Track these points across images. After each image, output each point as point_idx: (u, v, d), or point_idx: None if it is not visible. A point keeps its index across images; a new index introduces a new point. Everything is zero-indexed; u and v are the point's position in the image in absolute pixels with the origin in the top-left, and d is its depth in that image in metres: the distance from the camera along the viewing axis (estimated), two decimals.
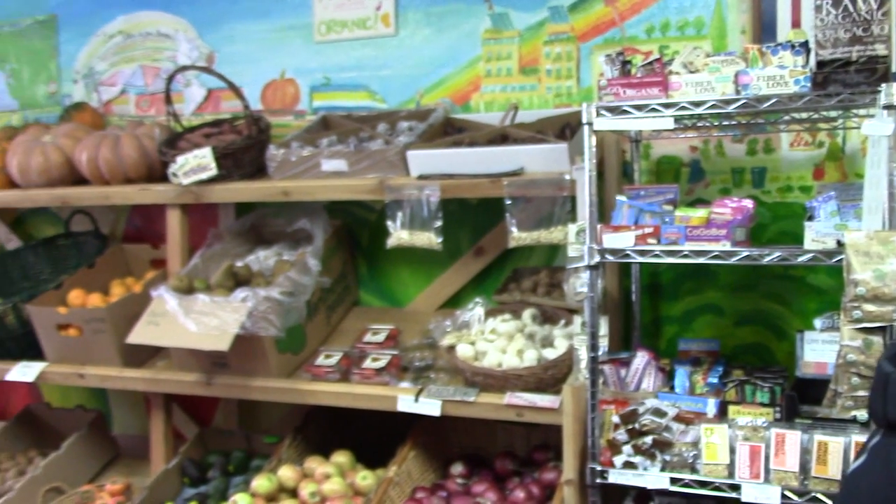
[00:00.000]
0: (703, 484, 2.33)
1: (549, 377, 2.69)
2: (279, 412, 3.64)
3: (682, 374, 2.67)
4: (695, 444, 2.37)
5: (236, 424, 3.77)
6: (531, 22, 3.18)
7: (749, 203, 2.43)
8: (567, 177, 2.65)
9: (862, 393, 2.04)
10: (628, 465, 2.42)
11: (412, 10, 3.35)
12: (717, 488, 2.31)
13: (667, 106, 2.31)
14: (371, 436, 3.22)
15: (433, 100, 3.35)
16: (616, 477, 2.44)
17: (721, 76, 2.27)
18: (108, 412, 4.12)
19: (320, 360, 3.07)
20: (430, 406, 2.77)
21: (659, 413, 2.43)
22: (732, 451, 2.31)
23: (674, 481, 2.35)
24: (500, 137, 2.97)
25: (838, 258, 2.15)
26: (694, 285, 3.04)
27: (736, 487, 2.29)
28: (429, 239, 2.88)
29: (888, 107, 2.07)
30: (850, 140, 2.79)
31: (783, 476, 2.25)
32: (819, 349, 2.48)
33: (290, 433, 3.24)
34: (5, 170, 3.66)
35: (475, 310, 2.99)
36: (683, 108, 2.29)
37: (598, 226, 2.43)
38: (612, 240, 2.41)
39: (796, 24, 2.74)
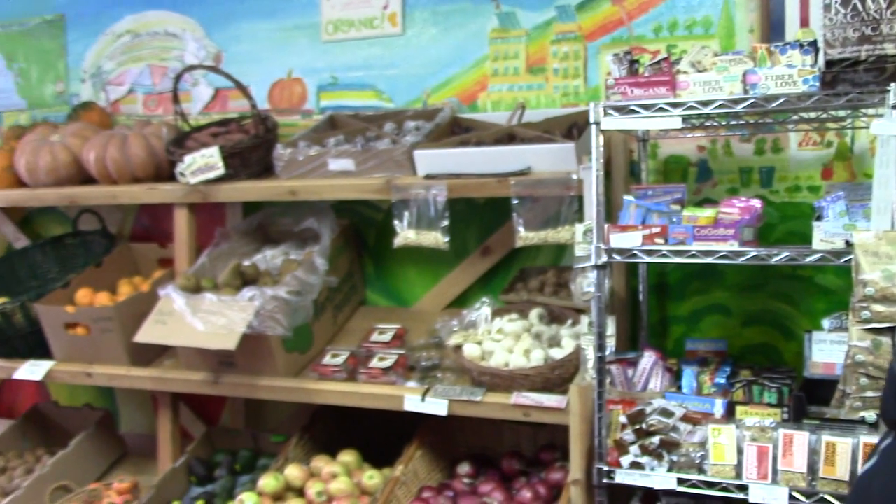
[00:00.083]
0: (710, 484, 2.32)
1: (556, 377, 2.69)
2: (286, 411, 3.65)
3: (689, 375, 2.67)
4: (702, 444, 2.36)
5: (243, 423, 3.77)
6: (538, 21, 3.17)
7: (757, 203, 2.42)
8: (574, 176, 2.65)
9: (870, 394, 2.03)
10: (635, 465, 2.41)
11: (419, 10, 3.35)
12: (725, 489, 2.30)
13: (674, 105, 2.30)
14: (378, 435, 3.22)
15: (440, 99, 3.35)
16: (623, 477, 2.43)
17: (729, 75, 2.26)
18: (116, 411, 4.13)
19: (327, 360, 3.07)
20: (436, 406, 2.77)
21: (666, 413, 2.43)
22: (740, 451, 2.31)
23: (681, 482, 2.35)
24: (508, 137, 2.97)
25: (847, 258, 2.14)
26: (701, 285, 3.03)
27: (743, 488, 2.28)
28: (435, 238, 2.88)
29: None
30: (859, 140, 2.78)
31: (791, 477, 2.24)
32: (827, 349, 2.47)
33: (297, 432, 3.24)
34: (13, 169, 3.67)
35: (482, 309, 2.99)
36: (691, 107, 2.28)
37: (606, 225, 2.42)
38: (619, 239, 2.41)
39: (805, 23, 2.73)
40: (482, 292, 3.25)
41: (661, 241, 2.37)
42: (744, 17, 2.87)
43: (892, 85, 2.07)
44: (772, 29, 2.80)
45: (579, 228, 2.52)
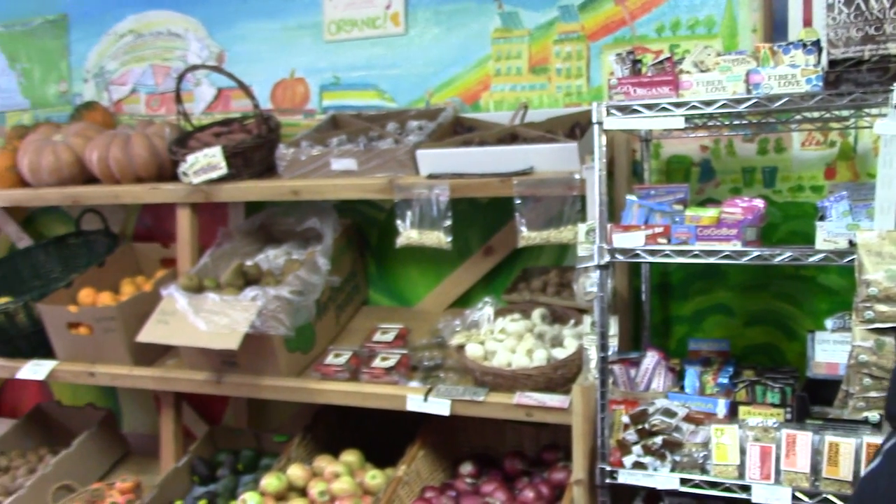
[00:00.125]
0: (713, 485, 2.32)
1: (559, 377, 2.69)
2: (289, 411, 3.65)
3: (692, 375, 2.66)
4: (705, 444, 2.36)
5: (246, 423, 3.78)
6: (541, 21, 3.17)
7: (760, 203, 2.42)
8: (577, 176, 2.65)
9: (874, 394, 2.03)
10: (638, 465, 2.41)
11: (422, 9, 3.35)
12: (728, 489, 2.30)
13: (677, 105, 2.30)
14: (380, 435, 3.22)
15: (443, 99, 3.35)
16: (626, 477, 2.43)
17: (732, 75, 2.26)
18: (119, 410, 4.14)
19: (330, 360, 3.07)
20: (439, 405, 2.77)
21: (669, 413, 2.42)
22: (743, 451, 2.31)
23: (684, 482, 2.34)
24: (510, 137, 2.97)
25: (850, 258, 2.13)
26: (704, 285, 3.03)
27: (746, 488, 2.28)
28: (438, 238, 2.88)
29: None
30: (862, 139, 2.77)
31: (794, 477, 2.24)
32: (830, 350, 2.47)
33: (300, 432, 3.24)
34: (16, 169, 3.67)
35: (484, 309, 2.99)
36: (694, 107, 2.28)
37: (609, 225, 2.42)
38: (622, 239, 2.41)
39: (808, 22, 2.72)
40: (485, 292, 3.25)
41: (663, 241, 2.37)
42: (747, 16, 2.87)
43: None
44: (775, 28, 2.79)
45: (582, 228, 2.52)
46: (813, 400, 2.45)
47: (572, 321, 2.89)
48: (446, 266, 3.39)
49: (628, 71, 2.43)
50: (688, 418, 2.43)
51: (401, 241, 2.93)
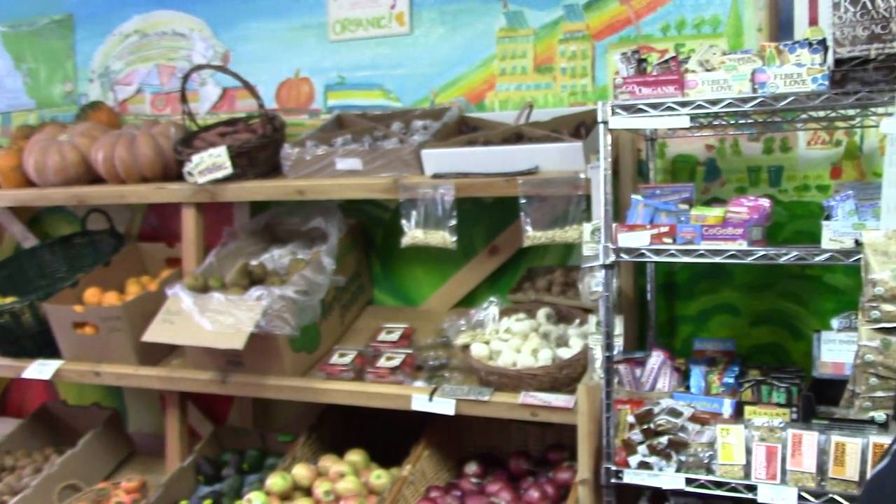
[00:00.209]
0: (718, 485, 2.31)
1: (564, 377, 2.68)
2: (294, 411, 3.65)
3: (697, 374, 2.66)
4: (710, 444, 2.36)
5: (251, 423, 3.78)
6: (546, 20, 3.17)
7: (765, 202, 2.42)
8: (582, 175, 2.64)
9: (880, 393, 2.03)
10: (643, 465, 2.41)
11: (427, 9, 3.35)
12: (733, 489, 2.30)
13: (683, 104, 2.29)
14: (385, 435, 3.22)
15: (448, 98, 3.35)
16: (631, 477, 2.43)
17: (737, 74, 2.25)
18: (124, 410, 4.14)
19: (335, 359, 3.07)
20: (444, 405, 2.77)
21: (674, 413, 2.42)
22: (748, 451, 2.30)
23: (689, 482, 2.34)
24: (515, 136, 2.97)
25: (856, 258, 2.13)
26: (709, 285, 3.02)
27: (752, 488, 2.28)
28: (443, 238, 2.87)
29: None
30: (868, 138, 2.76)
31: (800, 477, 2.24)
32: (836, 349, 2.46)
33: (305, 432, 3.24)
34: (22, 169, 3.68)
35: (489, 309, 2.99)
36: (699, 106, 2.28)
37: (614, 225, 2.42)
38: (627, 239, 2.40)
39: (814, 21, 2.71)
40: (490, 292, 3.25)
41: (669, 240, 2.36)
42: (752, 15, 2.86)
43: None
44: (780, 27, 2.79)
45: (587, 228, 2.52)
46: (819, 400, 2.45)
47: (577, 321, 2.89)
48: (451, 266, 3.39)
49: (633, 70, 2.42)
50: (693, 418, 2.43)
51: (406, 240, 2.93)
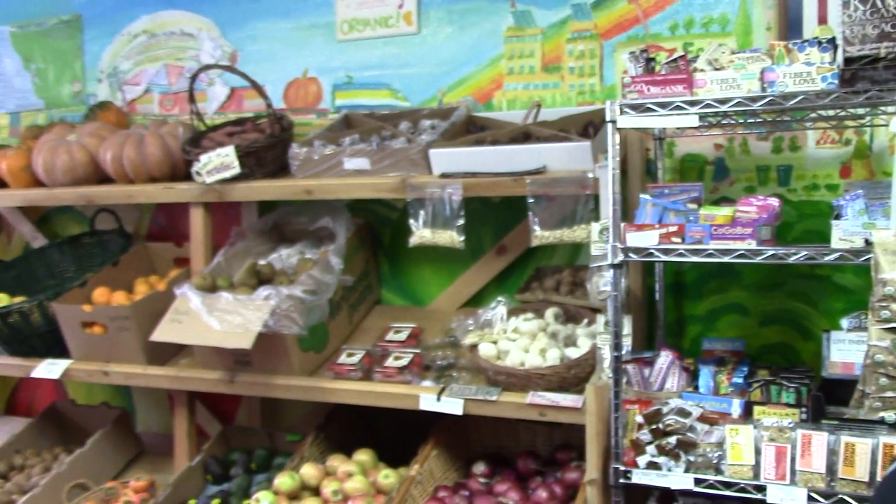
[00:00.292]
0: (727, 485, 2.31)
1: (572, 376, 2.68)
2: (302, 410, 3.66)
3: (706, 374, 2.65)
4: (719, 444, 2.35)
5: (259, 422, 3.78)
6: (554, 19, 3.16)
7: (775, 201, 2.41)
8: (590, 175, 2.64)
9: (890, 394, 2.02)
10: (652, 465, 2.40)
11: (434, 8, 3.35)
12: (743, 489, 2.29)
13: (691, 103, 2.28)
14: (393, 434, 3.22)
15: (455, 98, 3.34)
16: (640, 477, 2.42)
17: (746, 73, 2.25)
18: (133, 409, 4.15)
19: (343, 359, 3.07)
20: (452, 405, 2.77)
21: (683, 413, 2.41)
22: (758, 451, 2.29)
23: (698, 482, 2.33)
24: (523, 136, 2.96)
25: (866, 257, 2.12)
26: (718, 284, 3.01)
27: (761, 489, 2.27)
28: (451, 237, 2.87)
29: None
30: (878, 138, 2.75)
31: (809, 477, 2.23)
32: (846, 349, 2.45)
33: (313, 431, 3.25)
34: (31, 168, 3.69)
35: (497, 309, 2.98)
36: (708, 105, 2.27)
37: (622, 224, 2.41)
38: (635, 238, 2.40)
39: (823, 20, 2.71)
40: (498, 291, 3.25)
41: (677, 239, 2.36)
42: (761, 14, 2.85)
43: None
44: (789, 26, 2.78)
45: (595, 227, 2.51)
46: (828, 400, 2.44)
47: (586, 320, 2.89)
48: (459, 265, 3.38)
49: (642, 69, 2.42)
50: (702, 418, 2.42)
51: (413, 240, 2.93)
